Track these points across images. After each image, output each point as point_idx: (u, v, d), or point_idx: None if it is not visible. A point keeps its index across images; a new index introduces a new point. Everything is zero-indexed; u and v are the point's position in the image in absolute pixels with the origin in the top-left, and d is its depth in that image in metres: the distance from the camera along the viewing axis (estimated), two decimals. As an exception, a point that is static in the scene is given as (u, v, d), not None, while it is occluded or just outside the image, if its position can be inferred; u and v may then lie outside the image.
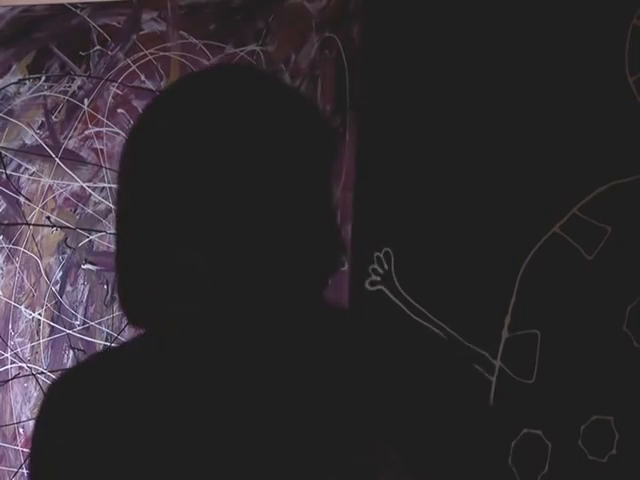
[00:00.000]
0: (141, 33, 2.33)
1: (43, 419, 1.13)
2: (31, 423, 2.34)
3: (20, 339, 2.38)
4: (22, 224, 2.39)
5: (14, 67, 2.44)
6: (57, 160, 2.38)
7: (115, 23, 2.35)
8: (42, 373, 2.34)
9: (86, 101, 2.37)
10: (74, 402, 1.10)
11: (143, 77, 2.32)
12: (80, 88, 2.38)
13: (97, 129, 2.35)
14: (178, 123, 1.07)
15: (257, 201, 1.05)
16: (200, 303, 1.09)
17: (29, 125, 2.41)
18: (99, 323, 2.32)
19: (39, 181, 2.39)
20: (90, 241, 2.34)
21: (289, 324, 1.10)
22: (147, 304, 1.10)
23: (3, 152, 2.42)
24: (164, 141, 1.08)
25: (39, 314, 2.37)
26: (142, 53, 2.32)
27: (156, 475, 1.06)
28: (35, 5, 2.41)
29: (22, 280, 2.39)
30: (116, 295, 1.13)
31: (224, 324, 1.09)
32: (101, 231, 2.33)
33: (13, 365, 2.37)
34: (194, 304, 1.09)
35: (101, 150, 2.34)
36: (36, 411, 2.34)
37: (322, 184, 1.09)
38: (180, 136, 1.07)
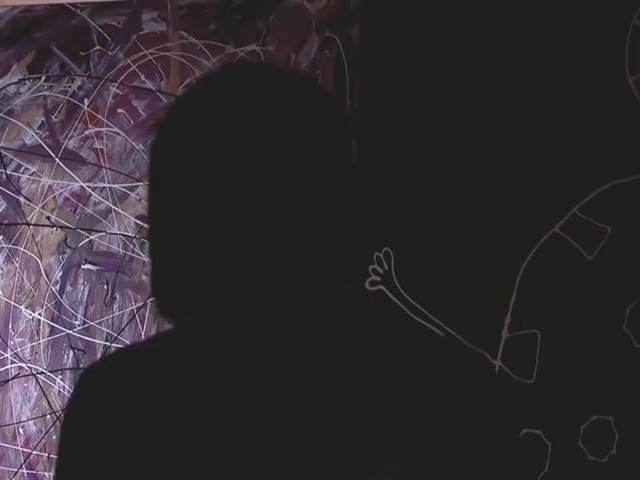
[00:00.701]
0: (141, 33, 2.33)
1: (73, 407, 1.14)
2: (31, 423, 2.35)
3: (20, 339, 2.38)
4: (22, 224, 2.39)
5: (14, 67, 2.44)
6: (57, 160, 2.38)
7: (115, 23, 2.35)
8: (42, 373, 2.34)
9: (86, 101, 2.37)
10: (102, 393, 1.11)
11: (143, 77, 2.32)
12: (80, 88, 2.38)
13: (97, 129, 2.35)
14: (182, 130, 1.09)
15: (269, 203, 1.05)
16: (208, 307, 1.10)
17: (29, 125, 2.41)
18: (99, 323, 2.32)
19: (39, 181, 2.39)
20: (90, 241, 2.34)
21: (292, 327, 1.10)
22: (170, 299, 1.12)
23: (3, 152, 2.42)
24: (171, 142, 1.09)
25: (39, 314, 2.37)
26: (142, 53, 2.32)
27: (171, 471, 1.07)
28: (35, 5, 2.41)
29: (22, 280, 2.39)
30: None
31: (231, 327, 1.09)
32: (101, 231, 2.33)
33: (13, 365, 2.37)
34: (204, 306, 1.10)
35: (101, 150, 2.34)
36: (36, 411, 2.35)
37: (338, 185, 1.10)
38: (184, 140, 1.08)
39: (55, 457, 1.15)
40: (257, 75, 1.12)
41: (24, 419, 2.35)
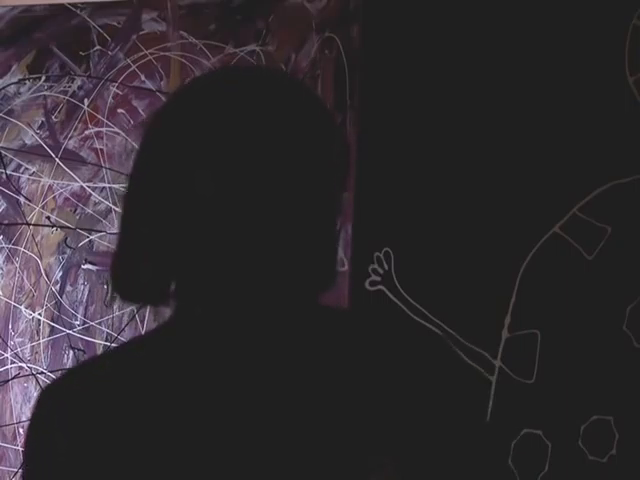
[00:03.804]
0: (141, 33, 2.33)
1: (35, 421, 1.13)
2: (31, 423, 2.34)
3: (20, 339, 2.38)
4: (22, 224, 2.39)
5: (14, 67, 2.44)
6: (57, 160, 2.38)
7: (115, 23, 2.35)
8: (42, 373, 2.34)
9: (86, 101, 2.37)
10: (66, 403, 1.10)
11: (143, 77, 2.32)
12: (80, 88, 2.38)
13: (97, 129, 2.35)
14: (183, 124, 1.09)
15: (260, 201, 1.05)
16: (196, 303, 1.09)
17: (29, 125, 2.41)
18: (99, 323, 2.32)
19: (39, 181, 2.39)
20: (90, 241, 2.34)
21: (287, 326, 1.10)
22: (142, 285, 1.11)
23: (3, 152, 2.42)
24: (169, 138, 1.09)
25: (39, 314, 2.37)
26: (142, 53, 2.32)
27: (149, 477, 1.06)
28: (35, 5, 2.41)
29: (22, 280, 2.39)
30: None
31: (221, 325, 1.09)
32: (101, 231, 2.33)
33: (13, 365, 2.37)
34: (191, 304, 1.10)
35: (101, 150, 2.34)
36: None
37: (327, 193, 1.10)
38: (184, 136, 1.08)
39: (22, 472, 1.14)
40: (253, 78, 1.12)
41: (24, 419, 2.35)
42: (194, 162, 1.06)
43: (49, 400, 1.12)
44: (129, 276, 1.10)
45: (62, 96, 2.39)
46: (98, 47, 2.36)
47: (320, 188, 1.07)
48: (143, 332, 2.27)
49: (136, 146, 2.31)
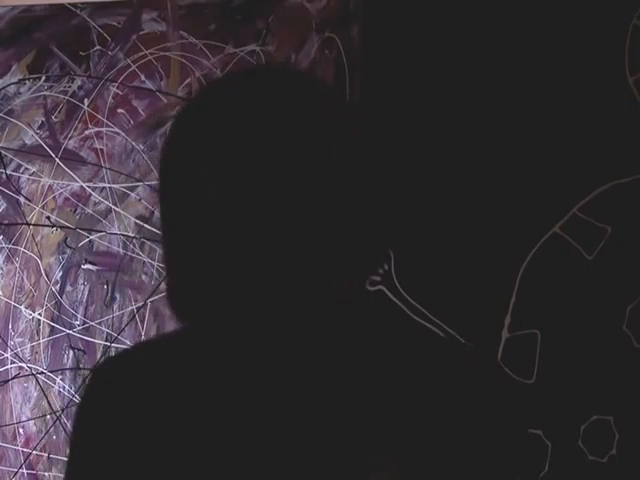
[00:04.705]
0: (141, 33, 2.33)
1: (85, 403, 1.14)
2: (31, 423, 2.35)
3: (20, 339, 2.38)
4: (22, 224, 2.40)
5: (14, 67, 2.44)
6: (57, 160, 2.38)
7: (115, 23, 2.35)
8: (42, 373, 2.34)
9: (86, 101, 2.37)
10: (117, 387, 1.12)
11: (143, 77, 2.32)
12: (80, 88, 2.38)
13: (97, 129, 2.35)
14: (192, 134, 1.10)
15: (275, 206, 1.06)
16: (217, 306, 1.10)
17: (29, 125, 2.41)
18: (99, 323, 2.32)
19: (39, 181, 2.39)
20: (90, 241, 2.34)
21: (290, 325, 1.10)
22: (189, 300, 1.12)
23: (3, 152, 2.42)
24: (183, 146, 1.10)
25: (39, 314, 2.37)
26: (142, 53, 2.32)
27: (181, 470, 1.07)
28: (35, 5, 2.41)
29: (22, 280, 2.39)
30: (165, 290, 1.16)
31: (229, 330, 1.10)
32: (101, 231, 2.33)
33: (13, 365, 2.37)
34: (214, 305, 1.11)
35: (101, 150, 2.34)
36: (36, 411, 2.34)
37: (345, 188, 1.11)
38: (194, 145, 1.09)
39: (67, 454, 1.15)
40: (265, 77, 1.12)
41: (24, 419, 2.35)
42: (215, 172, 1.07)
43: (100, 382, 1.13)
44: (186, 300, 1.12)
45: (62, 96, 2.39)
46: (98, 47, 2.36)
47: (337, 188, 1.09)
48: (143, 332, 2.28)
49: (136, 146, 2.31)
